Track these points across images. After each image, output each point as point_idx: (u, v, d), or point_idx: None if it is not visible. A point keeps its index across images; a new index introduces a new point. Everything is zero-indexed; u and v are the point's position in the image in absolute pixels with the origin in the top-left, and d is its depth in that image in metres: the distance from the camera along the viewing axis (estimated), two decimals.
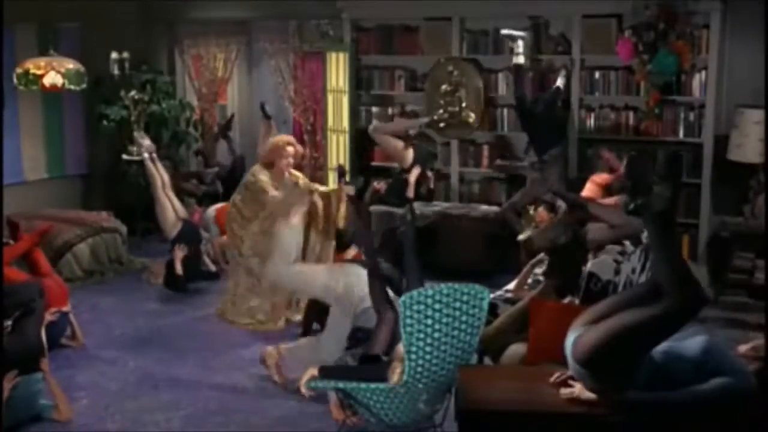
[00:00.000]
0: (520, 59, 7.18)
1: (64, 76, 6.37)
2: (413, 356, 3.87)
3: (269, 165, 6.23)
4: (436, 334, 3.88)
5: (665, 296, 3.09)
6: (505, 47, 7.73)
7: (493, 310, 4.93)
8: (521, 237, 5.81)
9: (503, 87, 7.79)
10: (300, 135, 10.04)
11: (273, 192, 6.07)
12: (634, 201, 3.22)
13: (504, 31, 7.35)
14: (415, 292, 3.88)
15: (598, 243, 5.55)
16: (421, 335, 3.85)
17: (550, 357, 3.84)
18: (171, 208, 7.35)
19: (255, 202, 6.16)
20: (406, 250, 4.85)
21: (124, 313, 6.62)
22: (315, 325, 5.85)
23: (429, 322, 3.85)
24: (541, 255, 5.70)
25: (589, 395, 3.23)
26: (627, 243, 5.12)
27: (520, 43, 7.17)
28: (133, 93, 8.54)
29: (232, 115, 9.75)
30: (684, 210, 7.08)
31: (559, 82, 7.15)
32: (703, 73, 6.96)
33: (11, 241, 6.13)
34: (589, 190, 6.40)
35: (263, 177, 6.16)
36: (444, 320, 3.88)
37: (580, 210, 5.78)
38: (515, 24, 7.61)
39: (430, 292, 3.86)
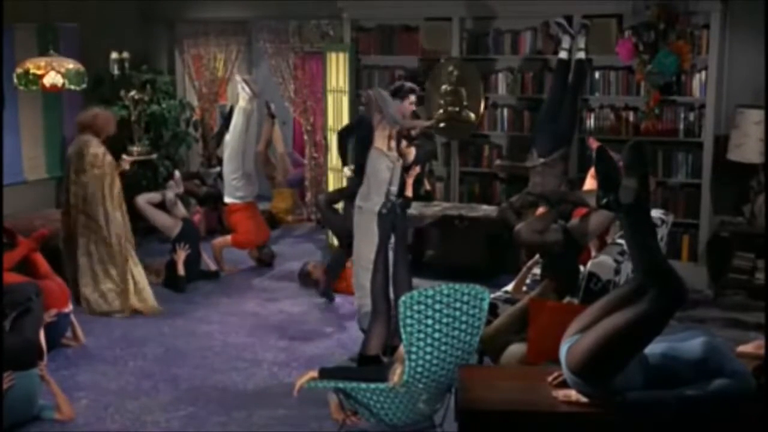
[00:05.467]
0: (582, 54, 6.81)
1: (64, 76, 6.35)
2: (413, 356, 3.87)
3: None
4: (436, 334, 3.88)
5: (647, 293, 3.09)
6: (506, 47, 7.74)
7: (493, 310, 4.94)
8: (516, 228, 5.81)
9: (503, 87, 7.79)
10: (300, 135, 10.07)
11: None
12: (606, 196, 3.21)
13: (559, 20, 6.85)
14: (415, 292, 3.89)
15: (600, 230, 5.56)
16: (421, 335, 3.86)
17: (550, 357, 3.83)
18: (161, 213, 7.44)
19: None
20: (398, 246, 4.87)
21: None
22: None
23: (429, 322, 3.86)
24: (537, 257, 5.73)
25: (584, 398, 3.23)
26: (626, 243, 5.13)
27: (581, 37, 6.76)
28: (133, 93, 8.54)
29: (231, 108, 9.72)
30: (684, 210, 7.11)
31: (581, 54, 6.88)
32: (703, 73, 6.96)
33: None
34: (589, 184, 6.39)
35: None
36: (444, 320, 3.89)
37: (563, 203, 5.80)
38: (518, 23, 7.63)
39: (430, 292, 3.86)
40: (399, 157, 5.91)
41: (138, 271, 6.67)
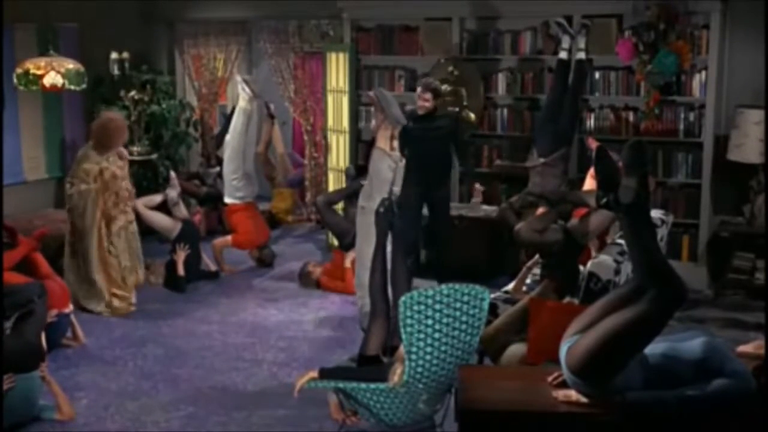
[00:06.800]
0: (582, 54, 6.75)
1: (64, 76, 6.36)
2: (413, 356, 3.87)
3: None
4: (436, 335, 3.88)
5: (647, 293, 3.09)
6: (506, 47, 7.74)
7: (493, 310, 4.94)
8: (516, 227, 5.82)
9: (503, 87, 7.79)
10: (300, 135, 10.07)
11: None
12: (605, 195, 3.20)
13: (559, 20, 6.81)
14: (415, 292, 3.88)
15: (600, 230, 5.57)
16: (421, 335, 3.86)
17: (550, 357, 3.83)
18: (159, 215, 7.43)
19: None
20: (396, 246, 4.87)
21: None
22: None
23: (429, 322, 3.85)
24: (537, 257, 5.73)
25: (584, 399, 3.23)
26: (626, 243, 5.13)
27: (581, 38, 6.70)
28: (133, 93, 8.55)
29: (233, 109, 9.74)
30: (684, 210, 7.11)
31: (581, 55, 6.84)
32: (703, 73, 6.96)
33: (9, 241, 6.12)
34: (589, 184, 6.39)
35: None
36: (444, 320, 3.88)
37: (563, 202, 5.80)
38: (518, 23, 7.64)
39: (430, 293, 3.86)
40: (401, 157, 5.90)
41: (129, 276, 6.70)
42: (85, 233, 6.47)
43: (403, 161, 5.87)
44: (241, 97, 7.86)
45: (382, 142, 5.77)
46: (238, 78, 8.05)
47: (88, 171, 6.47)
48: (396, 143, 5.84)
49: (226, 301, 6.97)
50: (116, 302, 6.56)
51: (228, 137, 7.94)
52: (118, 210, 6.56)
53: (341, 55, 8.12)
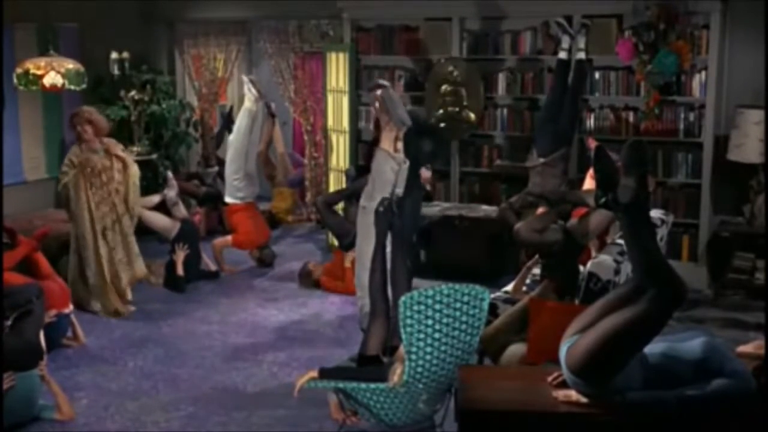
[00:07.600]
0: (582, 54, 6.75)
1: (64, 76, 6.36)
2: (413, 356, 3.87)
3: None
4: (436, 335, 3.88)
5: (646, 293, 3.09)
6: (506, 47, 7.74)
7: (493, 310, 4.94)
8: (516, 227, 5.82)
9: (503, 87, 7.79)
10: (300, 135, 10.08)
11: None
12: (604, 195, 3.21)
13: (559, 20, 6.81)
14: (415, 293, 3.89)
15: (600, 230, 5.56)
16: (421, 335, 3.86)
17: (550, 357, 3.83)
18: (158, 216, 7.42)
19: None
20: (395, 246, 4.87)
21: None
22: None
23: (429, 322, 3.86)
24: (537, 257, 5.73)
25: (584, 399, 3.23)
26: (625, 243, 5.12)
27: (581, 38, 6.70)
28: (133, 93, 8.55)
29: (231, 108, 9.75)
30: (684, 210, 7.11)
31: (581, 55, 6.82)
32: (703, 73, 6.96)
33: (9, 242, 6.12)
34: (588, 184, 6.39)
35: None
36: (444, 320, 3.89)
37: (563, 202, 5.79)
38: (518, 23, 7.64)
39: (430, 293, 3.86)
40: (405, 159, 5.89)
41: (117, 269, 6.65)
42: (79, 222, 6.46)
43: (407, 163, 5.85)
44: (246, 97, 7.87)
45: (387, 143, 5.77)
46: (245, 78, 8.06)
47: (67, 162, 6.55)
48: (400, 145, 5.84)
49: (226, 301, 6.97)
50: (113, 301, 6.54)
51: (231, 137, 7.94)
52: (100, 198, 6.52)
53: (341, 55, 8.12)
